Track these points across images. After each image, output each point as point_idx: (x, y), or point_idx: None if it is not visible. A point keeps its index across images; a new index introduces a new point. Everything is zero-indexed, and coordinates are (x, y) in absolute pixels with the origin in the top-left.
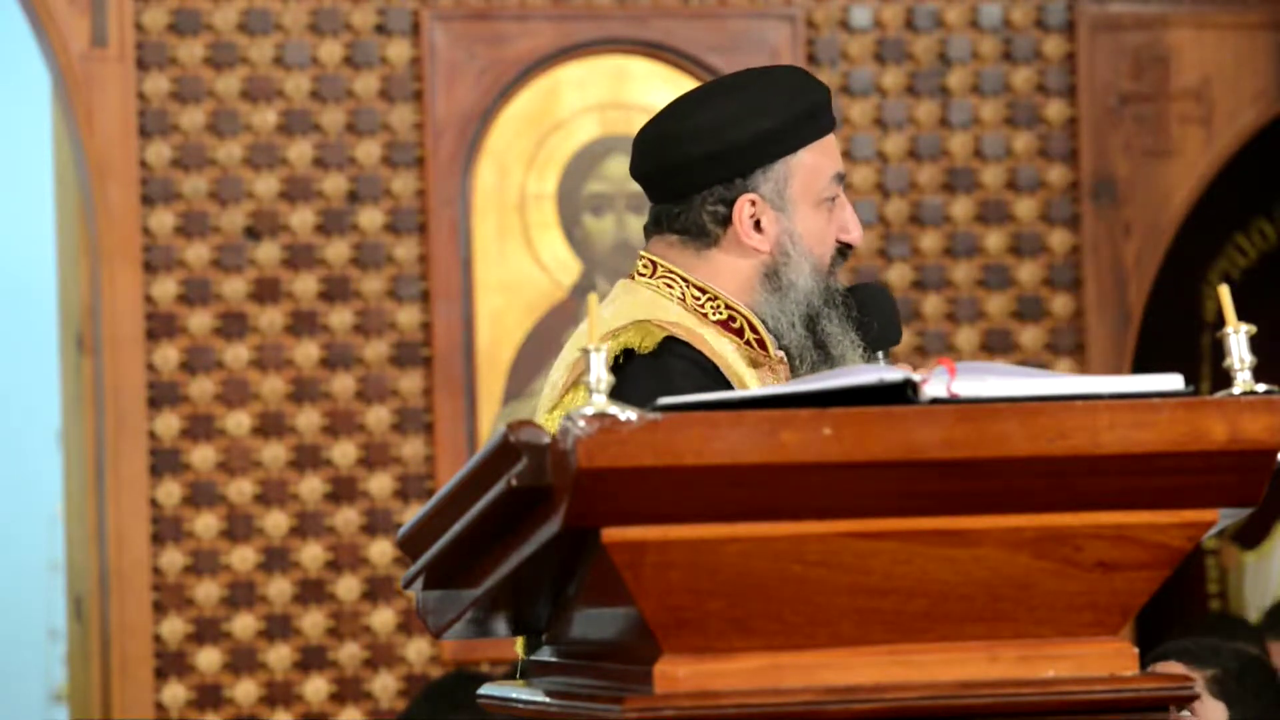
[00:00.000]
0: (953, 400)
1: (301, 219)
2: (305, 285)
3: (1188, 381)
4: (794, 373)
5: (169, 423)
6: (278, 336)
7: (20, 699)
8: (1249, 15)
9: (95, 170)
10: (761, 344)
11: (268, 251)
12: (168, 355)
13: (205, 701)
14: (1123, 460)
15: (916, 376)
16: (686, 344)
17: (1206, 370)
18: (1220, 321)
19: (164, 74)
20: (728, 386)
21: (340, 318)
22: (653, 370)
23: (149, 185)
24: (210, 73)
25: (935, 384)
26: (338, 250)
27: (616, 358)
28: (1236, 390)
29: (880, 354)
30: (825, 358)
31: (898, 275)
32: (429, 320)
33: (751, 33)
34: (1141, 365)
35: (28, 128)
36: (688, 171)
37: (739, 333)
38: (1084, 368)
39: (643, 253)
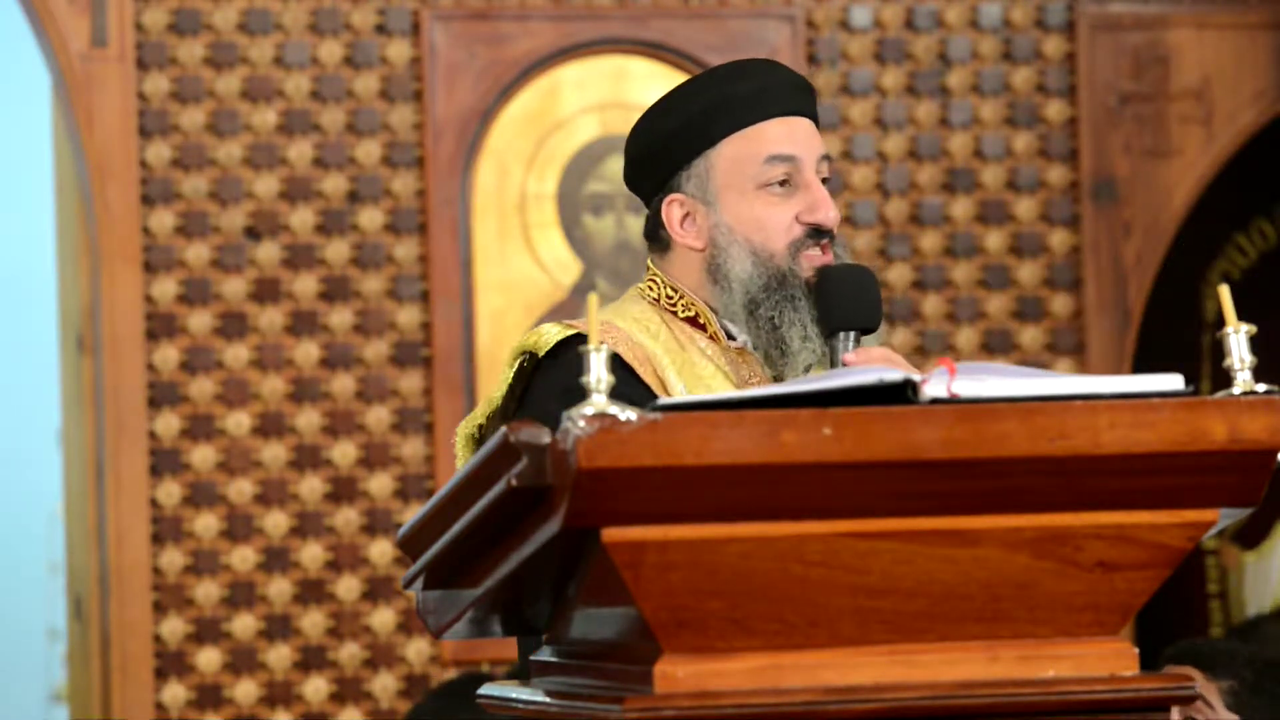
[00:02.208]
0: (953, 400)
1: (301, 219)
2: (305, 285)
3: (1188, 381)
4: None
5: (169, 423)
6: (278, 336)
7: (20, 699)
8: (1249, 15)
9: (95, 170)
10: (718, 337)
11: (268, 251)
12: (168, 355)
13: (205, 701)
14: (1123, 460)
15: (916, 376)
16: (582, 338)
17: (1206, 370)
18: (1220, 321)
19: (164, 74)
20: (635, 377)
21: (340, 318)
22: (555, 366)
23: (149, 185)
24: (210, 73)
25: (935, 384)
26: (338, 250)
27: (522, 364)
28: (1236, 390)
29: (849, 335)
30: (771, 342)
31: (898, 275)
32: (429, 320)
33: (751, 33)
34: (1141, 365)
35: (28, 128)
36: (635, 183)
37: (703, 328)
38: (1084, 368)
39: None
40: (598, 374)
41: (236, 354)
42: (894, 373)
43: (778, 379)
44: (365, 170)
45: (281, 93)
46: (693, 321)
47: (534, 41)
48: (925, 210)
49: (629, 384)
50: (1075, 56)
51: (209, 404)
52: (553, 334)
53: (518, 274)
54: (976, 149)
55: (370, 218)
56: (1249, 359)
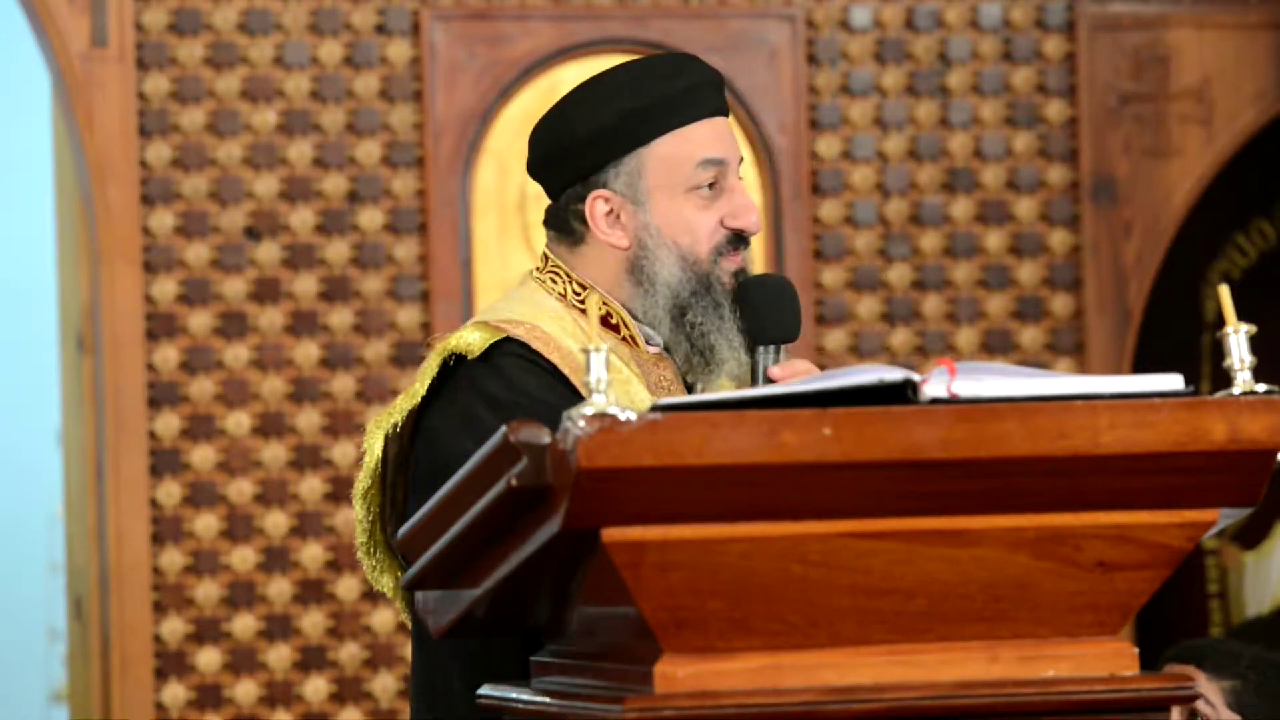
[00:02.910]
0: (953, 400)
1: (301, 219)
2: (305, 285)
3: (1188, 381)
4: (678, 366)
5: (169, 423)
6: (278, 336)
7: (20, 699)
8: (1249, 15)
9: (95, 170)
10: (635, 340)
11: (268, 251)
12: (168, 355)
13: (205, 701)
14: (1123, 460)
15: (915, 376)
16: (522, 343)
17: (1206, 370)
18: (1220, 321)
19: (164, 74)
20: (567, 384)
21: (340, 318)
22: (484, 372)
23: (149, 185)
24: (210, 73)
25: (935, 384)
26: (338, 250)
27: (445, 360)
28: (1236, 390)
29: (771, 349)
30: (696, 350)
31: (898, 275)
32: (429, 320)
33: (751, 33)
34: (1141, 365)
35: (28, 128)
36: (548, 170)
37: (615, 329)
38: (1084, 368)
39: (544, 246)
40: (597, 374)
41: (236, 354)
42: (894, 372)
43: (692, 387)
44: (365, 170)
45: (281, 93)
46: (604, 321)
47: (534, 41)
48: (925, 210)
49: (567, 398)
50: (1075, 56)
51: (209, 404)
52: (481, 338)
53: (517, 274)
54: (976, 149)
55: (370, 218)
56: (1249, 359)
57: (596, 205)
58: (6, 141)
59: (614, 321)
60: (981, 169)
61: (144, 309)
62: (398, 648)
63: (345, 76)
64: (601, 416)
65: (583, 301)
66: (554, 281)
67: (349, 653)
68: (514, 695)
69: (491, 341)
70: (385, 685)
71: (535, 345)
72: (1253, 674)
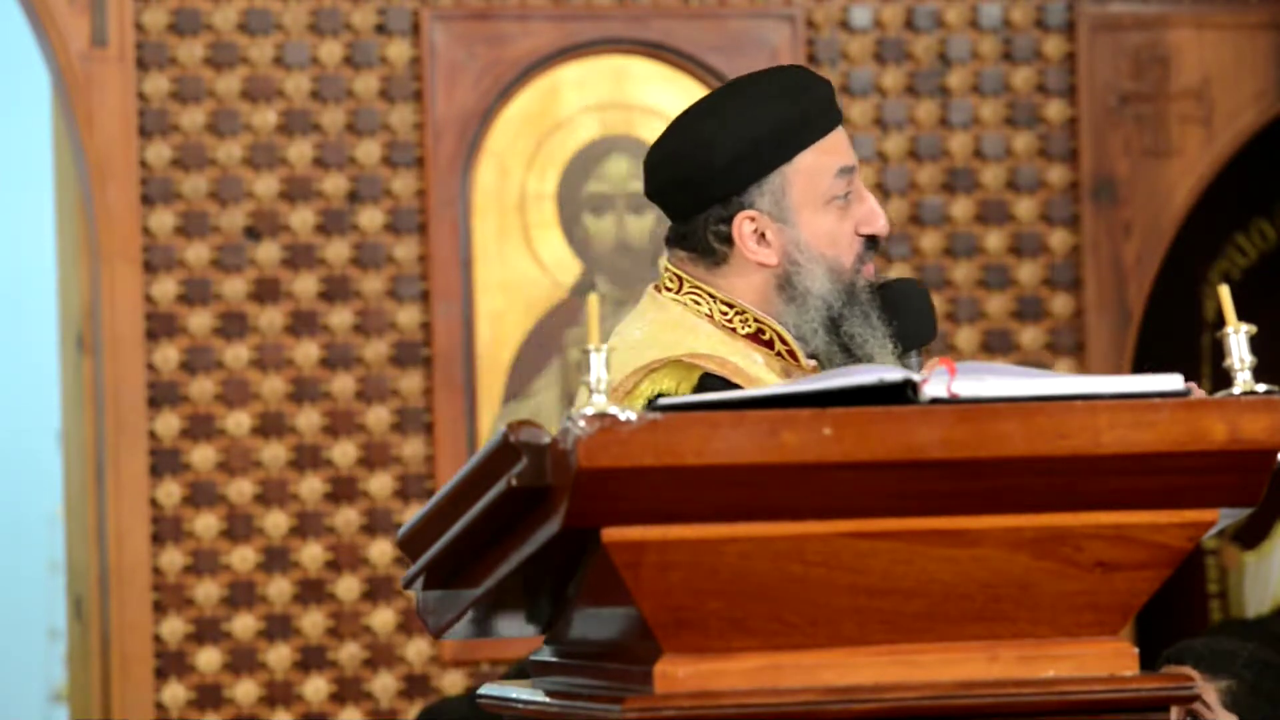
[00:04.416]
0: (953, 400)
1: (301, 219)
2: (305, 285)
3: (1187, 381)
4: None
5: (169, 423)
6: (278, 336)
7: (20, 699)
8: (1249, 15)
9: (95, 170)
10: (793, 354)
11: (268, 251)
12: (168, 355)
13: (205, 701)
14: (1123, 460)
15: (917, 376)
16: (721, 378)
17: (1206, 370)
18: (1220, 321)
19: (164, 74)
20: None
21: (340, 318)
22: None
23: (149, 185)
24: (210, 73)
25: (935, 384)
26: (338, 250)
27: (651, 401)
28: (1236, 390)
29: (913, 352)
30: (853, 359)
31: (898, 275)
32: (429, 320)
33: (751, 33)
34: (1141, 365)
35: (28, 128)
36: (684, 193)
37: (769, 344)
38: (1084, 368)
39: (667, 265)
40: (597, 374)
41: (236, 354)
42: (894, 372)
43: None
44: (365, 170)
45: (281, 93)
46: (754, 338)
47: (534, 41)
48: (925, 210)
49: None
50: (1075, 56)
51: (209, 404)
52: (681, 376)
53: (518, 274)
54: (976, 149)
55: (370, 218)
56: (1249, 359)
57: (744, 225)
58: (6, 141)
59: (766, 337)
60: (981, 169)
61: (144, 309)
62: (398, 648)
63: (345, 76)
64: (601, 416)
65: (730, 321)
66: (698, 303)
67: (349, 653)
68: (514, 695)
69: (696, 380)
70: (385, 685)
71: (731, 376)
72: (1248, 673)
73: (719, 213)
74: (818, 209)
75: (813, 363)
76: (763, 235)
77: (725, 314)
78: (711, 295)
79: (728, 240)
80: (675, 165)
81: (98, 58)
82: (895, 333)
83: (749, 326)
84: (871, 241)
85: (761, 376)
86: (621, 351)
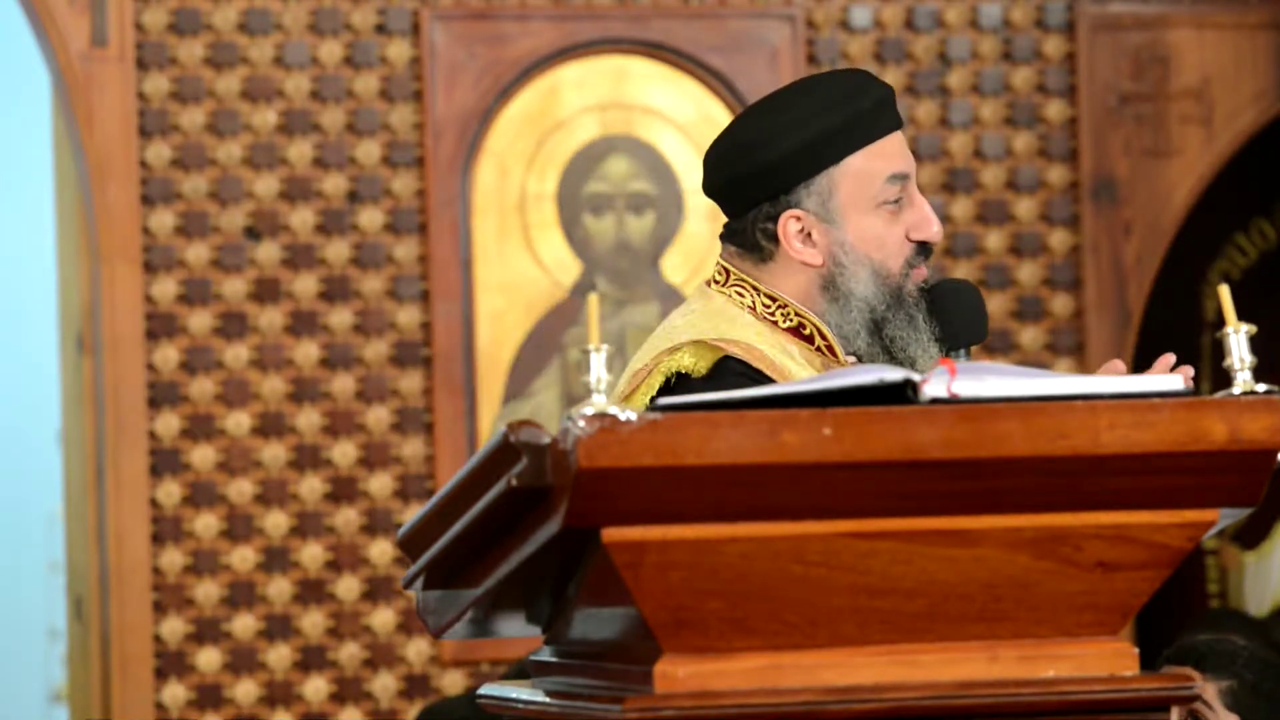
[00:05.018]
0: (953, 400)
1: (301, 219)
2: (305, 285)
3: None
4: None
5: (169, 423)
6: (278, 336)
7: (20, 699)
8: (1249, 15)
9: (95, 170)
10: (831, 350)
11: (268, 251)
12: (168, 355)
13: (205, 701)
14: (1123, 460)
15: (916, 376)
16: (743, 362)
17: (1206, 370)
18: (1220, 321)
19: (164, 74)
20: None
21: (340, 318)
22: (710, 390)
23: (149, 185)
24: (210, 73)
25: (935, 384)
26: (338, 250)
27: (668, 379)
28: (1236, 390)
29: (962, 352)
30: (896, 363)
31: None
32: (429, 320)
33: (751, 33)
34: (1141, 365)
35: (28, 128)
36: (736, 190)
37: (809, 339)
38: (1084, 368)
39: (719, 259)
40: (597, 374)
41: (236, 354)
42: (894, 372)
43: None
44: (365, 170)
45: (281, 93)
46: (795, 332)
47: (534, 41)
48: None
49: None
50: (1075, 56)
51: (209, 404)
52: (703, 356)
53: (518, 274)
54: (976, 149)
55: (370, 218)
56: (1249, 359)
57: (789, 224)
58: (6, 141)
59: (807, 332)
60: (981, 169)
61: (144, 309)
62: (398, 648)
63: (345, 76)
64: (601, 416)
65: (773, 314)
66: (741, 295)
67: (349, 653)
68: (514, 695)
69: (715, 360)
70: (385, 685)
71: (754, 363)
72: (1249, 673)
73: (767, 210)
74: (866, 212)
75: (852, 359)
76: (808, 235)
77: (768, 307)
78: (755, 288)
79: (774, 238)
80: (728, 163)
81: (98, 58)
82: (945, 332)
83: (790, 321)
84: (923, 247)
85: (794, 370)
86: (659, 336)
